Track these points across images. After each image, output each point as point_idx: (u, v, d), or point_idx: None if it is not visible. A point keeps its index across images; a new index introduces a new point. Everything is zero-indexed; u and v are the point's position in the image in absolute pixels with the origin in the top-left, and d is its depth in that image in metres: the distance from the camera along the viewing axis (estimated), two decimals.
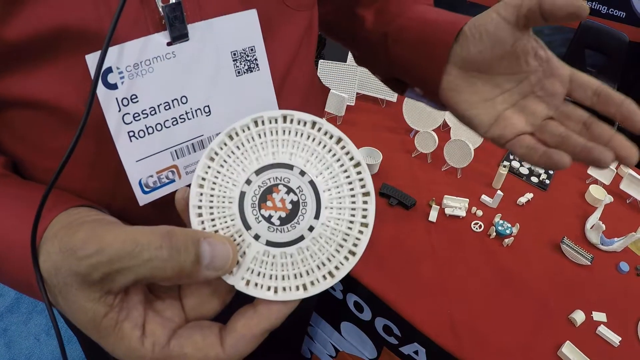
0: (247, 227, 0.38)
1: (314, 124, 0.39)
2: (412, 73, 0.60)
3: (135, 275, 0.34)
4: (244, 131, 0.39)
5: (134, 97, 0.43)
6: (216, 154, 0.39)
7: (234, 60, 0.47)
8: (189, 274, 0.35)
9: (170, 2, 0.41)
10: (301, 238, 0.37)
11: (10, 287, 0.44)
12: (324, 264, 0.37)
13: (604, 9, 3.34)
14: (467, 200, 1.24)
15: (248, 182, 0.38)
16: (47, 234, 0.38)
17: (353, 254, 0.37)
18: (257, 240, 0.37)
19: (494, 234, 1.18)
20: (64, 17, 0.38)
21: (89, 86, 0.39)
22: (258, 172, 0.38)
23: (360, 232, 0.37)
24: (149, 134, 0.45)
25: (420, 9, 0.61)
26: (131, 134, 0.44)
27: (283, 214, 0.37)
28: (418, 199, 1.24)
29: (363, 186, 0.38)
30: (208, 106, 0.47)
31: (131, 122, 0.44)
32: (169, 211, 0.51)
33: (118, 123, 0.43)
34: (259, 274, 0.37)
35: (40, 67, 0.40)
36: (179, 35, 0.43)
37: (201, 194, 0.39)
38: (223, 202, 0.38)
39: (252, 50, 0.48)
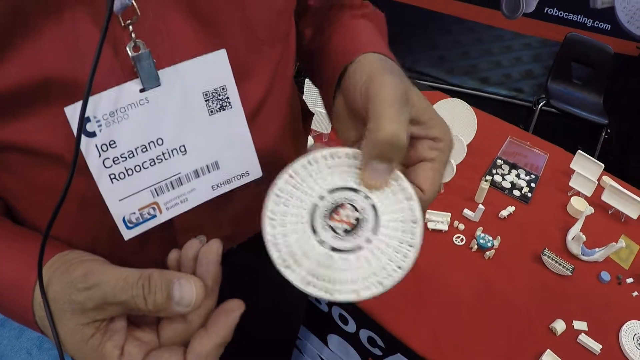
0: (315, 233, 0.44)
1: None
2: (322, 93, 0.62)
3: (122, 307, 0.41)
4: (320, 161, 0.47)
5: (112, 142, 0.45)
6: (296, 173, 0.46)
7: (205, 100, 0.49)
8: (163, 308, 0.41)
9: (141, 51, 0.43)
10: (360, 248, 0.43)
11: (8, 317, 0.49)
12: (375, 274, 0.42)
13: (589, 22, 3.38)
14: (449, 214, 1.27)
15: (321, 197, 0.45)
16: (48, 269, 0.44)
17: (400, 268, 0.42)
18: (322, 245, 0.43)
19: (476, 246, 1.21)
20: (42, 69, 0.40)
21: (69, 133, 0.42)
22: (330, 191, 0.46)
23: (408, 250, 0.43)
24: (128, 175, 0.47)
25: (340, 30, 0.61)
26: (112, 176, 0.47)
27: (348, 227, 0.44)
28: None
29: (412, 215, 0.44)
30: (183, 145, 0.50)
31: (111, 165, 0.46)
32: (151, 244, 0.55)
33: (99, 167, 0.46)
34: (317, 277, 0.42)
35: (22, 117, 0.42)
36: (150, 82, 0.45)
37: (278, 198, 0.45)
38: (297, 210, 0.45)
39: (223, 89, 0.50)
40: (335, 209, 0.45)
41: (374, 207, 0.45)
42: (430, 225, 1.25)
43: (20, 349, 1.96)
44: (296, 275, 0.42)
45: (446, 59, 3.72)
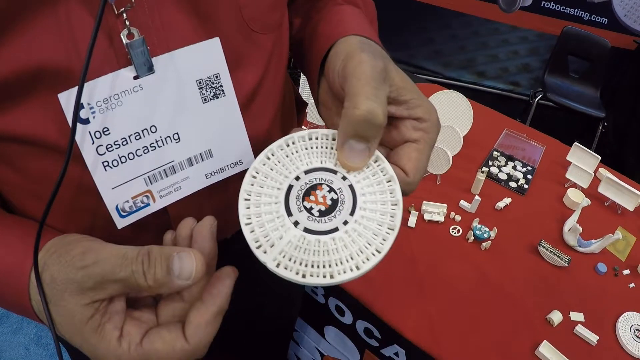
0: (289, 214, 0.43)
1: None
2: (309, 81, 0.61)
3: (122, 285, 0.40)
4: (297, 142, 0.47)
5: (105, 129, 0.45)
6: (273, 154, 0.46)
7: (199, 88, 0.49)
8: (164, 283, 0.41)
9: (135, 38, 0.43)
10: (336, 229, 0.42)
11: (5, 308, 0.49)
12: (352, 258, 0.41)
13: (587, 15, 3.38)
14: (446, 205, 1.27)
15: (297, 178, 0.45)
16: (44, 253, 0.43)
17: (379, 252, 0.41)
18: (296, 227, 0.42)
19: (472, 238, 1.21)
20: (36, 57, 0.40)
21: (63, 120, 0.43)
22: (307, 172, 0.45)
23: (387, 233, 0.42)
24: (122, 162, 0.48)
25: (326, 16, 0.60)
26: (105, 163, 0.47)
27: (323, 208, 0.43)
28: None
29: (393, 196, 0.43)
30: (177, 133, 0.50)
31: (105, 153, 0.46)
32: (145, 232, 0.55)
33: (93, 154, 0.46)
34: (290, 259, 0.41)
35: (15, 106, 0.42)
36: (144, 69, 0.45)
37: (254, 179, 0.45)
38: (272, 190, 0.44)
39: (217, 77, 0.50)
40: (311, 189, 0.44)
41: (351, 188, 0.44)
42: (427, 217, 1.25)
43: (18, 344, 1.96)
44: (268, 257, 0.41)
45: (443, 53, 3.72)
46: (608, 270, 1.21)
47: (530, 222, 1.31)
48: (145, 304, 0.46)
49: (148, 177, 0.50)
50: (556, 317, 1.05)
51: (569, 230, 1.25)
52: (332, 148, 0.46)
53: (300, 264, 0.41)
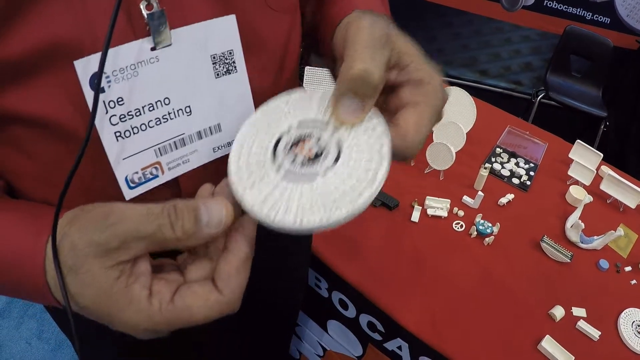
0: (275, 159, 0.44)
1: None
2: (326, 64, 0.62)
3: (148, 242, 0.39)
4: (297, 96, 0.49)
5: (120, 99, 0.45)
6: (270, 106, 0.48)
7: (213, 63, 0.50)
8: (193, 233, 0.40)
9: (154, 10, 0.43)
10: (314, 178, 0.42)
11: (14, 295, 0.47)
12: (325, 207, 0.41)
13: (589, 15, 3.39)
14: (449, 200, 1.27)
15: (289, 128, 0.46)
16: (63, 222, 0.42)
17: (351, 204, 0.40)
18: (277, 172, 0.43)
19: (475, 233, 1.21)
20: (50, 33, 0.40)
21: (76, 95, 0.43)
22: (300, 123, 0.46)
23: (365, 189, 0.41)
24: (134, 133, 0.48)
25: None
26: (117, 134, 0.47)
27: (307, 157, 0.44)
28: (401, 200, 1.27)
29: (380, 154, 0.43)
30: (189, 106, 0.50)
31: (117, 123, 0.46)
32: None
33: (105, 124, 0.46)
34: (272, 202, 0.42)
35: (32, 82, 0.42)
36: (162, 41, 0.45)
37: (252, 127, 0.47)
38: (265, 136, 0.46)
39: (230, 53, 0.51)
40: (300, 139, 0.45)
41: (339, 141, 0.44)
42: (430, 212, 1.25)
43: (19, 338, 1.96)
44: (250, 199, 0.42)
45: (445, 51, 3.72)
46: (610, 266, 1.21)
47: (533, 218, 1.31)
48: (170, 267, 0.45)
49: (158, 148, 0.50)
50: (558, 312, 1.06)
51: (571, 226, 1.25)
52: (329, 105, 0.47)
53: (274, 208, 0.41)
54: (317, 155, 0.43)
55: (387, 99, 0.48)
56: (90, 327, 0.45)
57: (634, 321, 1.07)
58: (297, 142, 0.45)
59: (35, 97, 0.43)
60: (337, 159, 0.43)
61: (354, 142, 0.44)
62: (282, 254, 0.90)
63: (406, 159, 0.45)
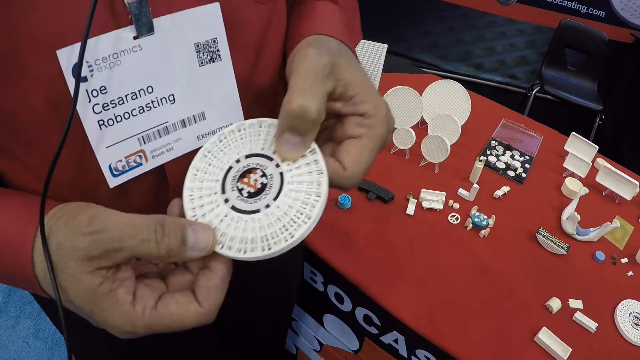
0: (223, 191, 0.47)
1: None
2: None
3: (131, 253, 0.40)
4: (247, 128, 0.51)
5: (103, 88, 0.46)
6: (225, 137, 0.50)
7: (197, 52, 0.50)
8: (177, 253, 0.42)
9: None
10: (257, 211, 0.46)
11: (8, 282, 0.47)
12: (265, 239, 0.44)
13: (584, 8, 3.39)
14: (444, 193, 1.27)
15: (238, 161, 0.48)
16: (50, 218, 0.42)
17: (292, 236, 0.44)
18: (225, 203, 0.46)
19: (471, 225, 1.21)
20: (35, 21, 0.40)
21: (60, 84, 0.43)
22: (248, 156, 0.48)
23: (304, 222, 0.44)
24: (117, 122, 0.48)
25: (300, 12, 0.63)
26: (101, 122, 0.47)
27: (252, 190, 0.46)
28: (396, 193, 1.26)
29: (318, 188, 0.46)
30: (172, 95, 0.50)
31: (100, 111, 0.46)
32: (132, 195, 0.55)
33: (88, 113, 0.46)
34: (219, 232, 0.45)
35: (17, 75, 0.42)
36: (144, 30, 0.45)
37: (205, 157, 0.49)
38: (215, 169, 0.48)
39: (214, 41, 0.51)
40: (246, 172, 0.47)
41: (281, 175, 0.47)
42: (425, 204, 1.24)
43: (16, 338, 1.96)
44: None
45: (440, 45, 3.72)
46: (606, 258, 1.21)
47: (529, 210, 1.31)
48: (152, 276, 0.46)
49: (142, 137, 0.51)
50: (555, 304, 1.05)
51: (567, 218, 1.25)
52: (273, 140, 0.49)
53: (222, 236, 0.45)
54: (263, 187, 0.46)
55: (334, 129, 0.51)
56: (80, 322, 0.46)
57: (631, 312, 1.07)
58: (244, 173, 0.47)
59: (20, 88, 0.42)
60: (279, 192, 0.46)
61: (295, 177, 0.47)
62: (276, 257, 0.89)
63: (347, 190, 0.48)
